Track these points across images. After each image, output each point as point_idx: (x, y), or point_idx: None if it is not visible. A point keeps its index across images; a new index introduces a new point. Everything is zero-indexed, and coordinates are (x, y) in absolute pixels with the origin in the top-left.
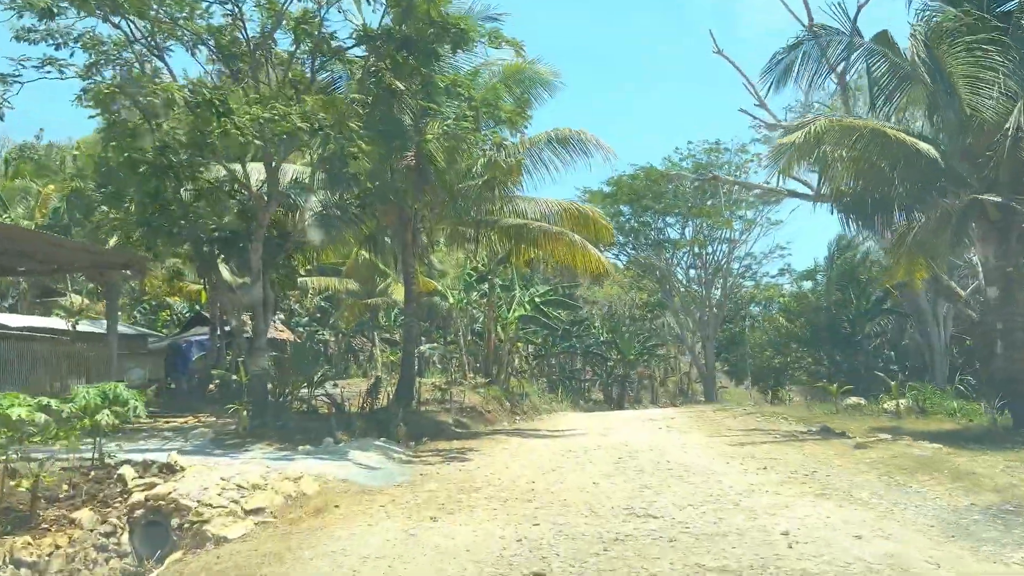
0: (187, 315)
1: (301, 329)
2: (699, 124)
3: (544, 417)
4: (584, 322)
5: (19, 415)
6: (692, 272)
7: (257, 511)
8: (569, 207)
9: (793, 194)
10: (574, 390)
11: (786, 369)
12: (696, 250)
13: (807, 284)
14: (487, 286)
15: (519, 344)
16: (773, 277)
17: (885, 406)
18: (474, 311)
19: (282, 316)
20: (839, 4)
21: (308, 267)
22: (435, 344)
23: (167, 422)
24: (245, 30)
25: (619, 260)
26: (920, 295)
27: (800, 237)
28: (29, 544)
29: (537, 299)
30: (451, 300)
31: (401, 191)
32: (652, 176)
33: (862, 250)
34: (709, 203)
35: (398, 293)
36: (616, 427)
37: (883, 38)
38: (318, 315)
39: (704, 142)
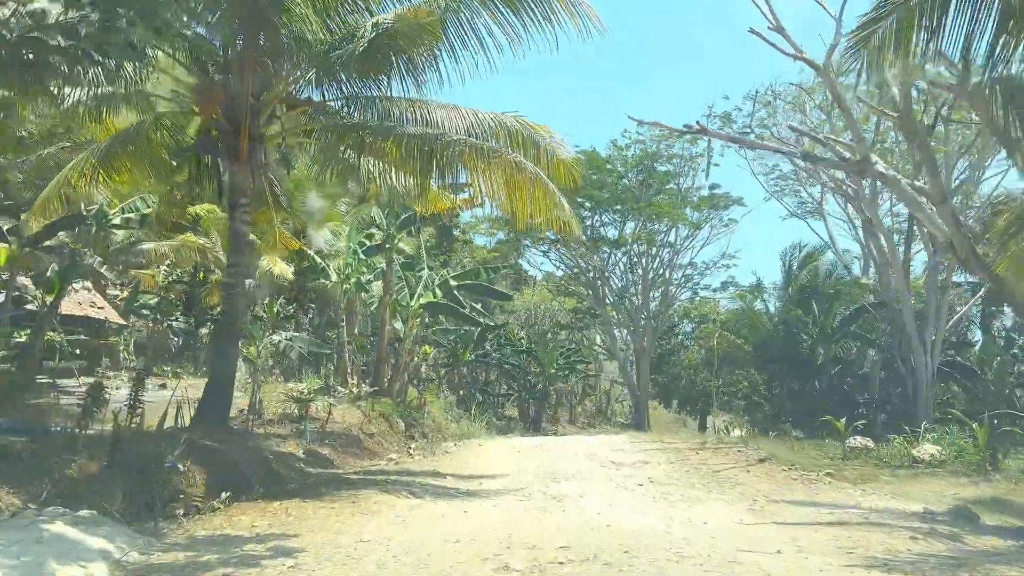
0: None
1: (147, 313)
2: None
3: (451, 448)
4: (501, 328)
5: None
6: (630, 276)
7: None
8: (511, 122)
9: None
10: (488, 406)
11: (721, 394)
12: (638, 249)
13: (754, 301)
14: (384, 261)
15: (427, 348)
16: (714, 291)
17: (916, 452)
18: (369, 295)
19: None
20: None
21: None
22: (298, 334)
23: None
24: None
25: (548, 259)
26: (907, 313)
27: (748, 247)
28: None
29: (453, 281)
30: (333, 276)
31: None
32: (595, 163)
33: (826, 260)
34: (659, 197)
35: (278, 265)
36: (565, 475)
37: None
38: (179, 299)
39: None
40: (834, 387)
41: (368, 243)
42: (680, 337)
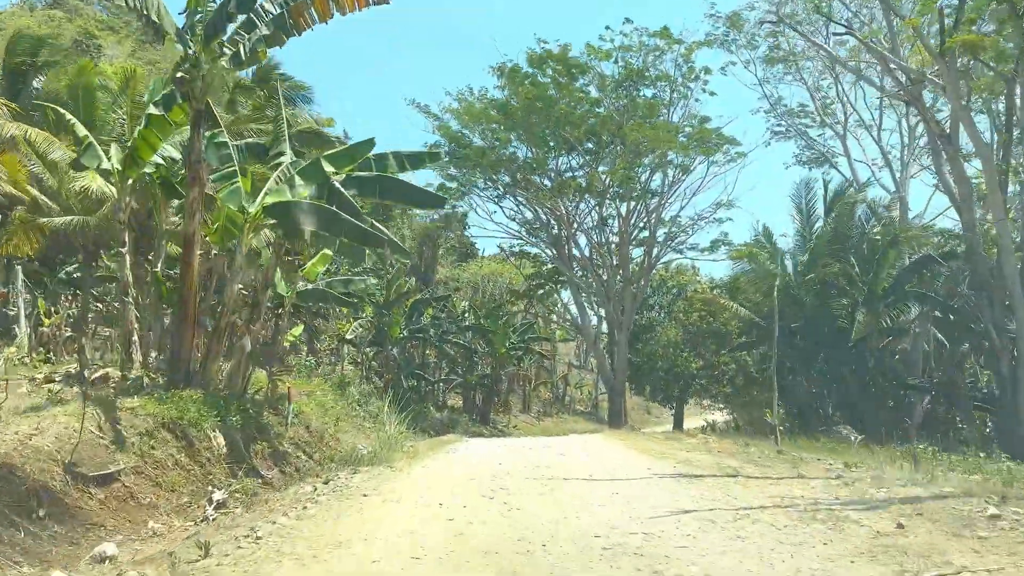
0: None
1: None
2: None
3: (319, 495)
4: (443, 300)
5: None
6: (604, 232)
7: None
8: None
9: None
10: (422, 395)
11: (701, 379)
12: (615, 193)
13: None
14: (189, 114)
15: (286, 290)
16: (702, 251)
17: None
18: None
19: None
20: None
21: None
22: None
23: None
24: None
25: (500, 207)
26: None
27: (743, 202)
28: None
29: (331, 168)
30: (104, 159)
31: None
32: (570, 66)
33: (868, 196)
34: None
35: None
36: None
37: None
38: None
39: (644, 29)
40: (878, 368)
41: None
42: (655, 311)
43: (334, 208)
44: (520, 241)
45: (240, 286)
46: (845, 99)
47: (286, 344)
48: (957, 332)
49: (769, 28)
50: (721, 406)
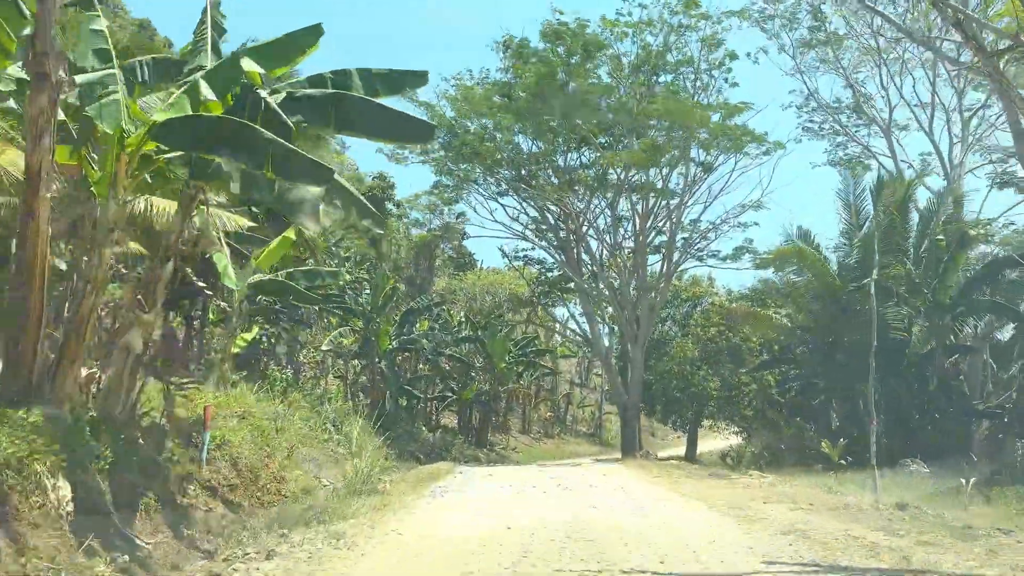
0: None
1: None
2: None
3: None
4: (438, 307)
5: None
6: (616, 235)
7: None
8: None
9: None
10: (413, 414)
11: (721, 399)
12: (638, 179)
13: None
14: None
15: (238, 286)
16: (723, 259)
17: None
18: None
19: None
20: None
21: None
22: None
23: None
24: None
25: (501, 204)
26: None
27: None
28: None
29: (251, 63)
30: None
31: None
32: (586, 44)
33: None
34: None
35: None
36: None
37: None
38: None
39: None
40: (942, 390)
41: None
42: (667, 324)
43: (258, 127)
44: (523, 244)
45: (116, 250)
46: (889, 86)
47: (235, 351)
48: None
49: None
50: (736, 430)
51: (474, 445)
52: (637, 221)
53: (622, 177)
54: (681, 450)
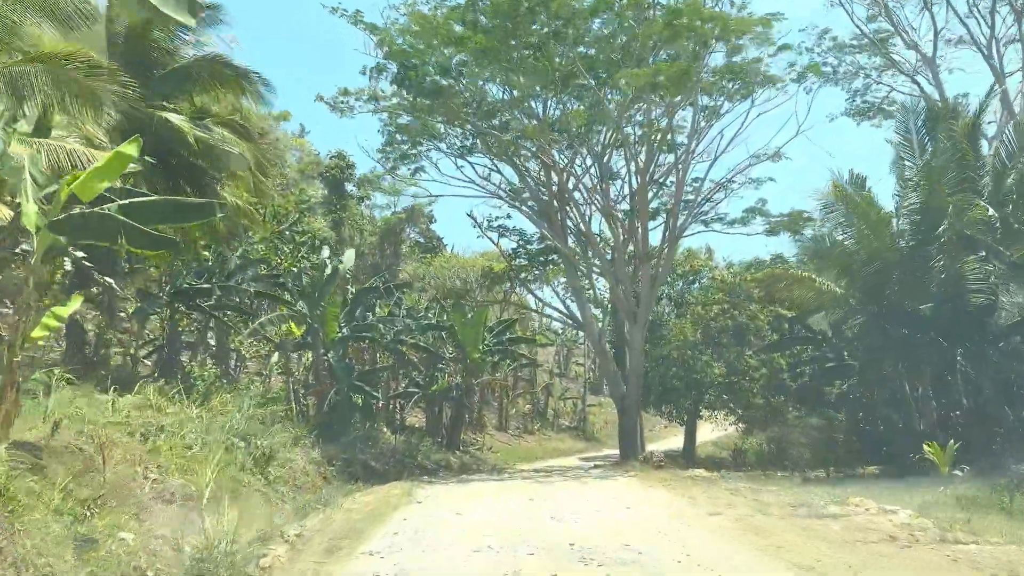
0: None
1: None
2: None
3: None
4: (399, 288)
5: None
6: (619, 189)
7: None
8: None
9: None
10: (371, 413)
11: (724, 387)
12: (639, 119)
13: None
14: None
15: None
16: (730, 224)
17: None
18: None
19: None
20: None
21: None
22: None
23: None
24: None
25: (468, 162)
26: None
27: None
28: None
29: None
30: None
31: None
32: None
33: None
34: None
35: None
36: None
37: None
38: None
39: None
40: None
41: None
42: (662, 303)
43: None
44: (498, 212)
45: None
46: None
47: (44, 332)
48: None
49: None
50: (735, 421)
51: (444, 448)
52: (635, 174)
53: (623, 116)
54: (672, 443)
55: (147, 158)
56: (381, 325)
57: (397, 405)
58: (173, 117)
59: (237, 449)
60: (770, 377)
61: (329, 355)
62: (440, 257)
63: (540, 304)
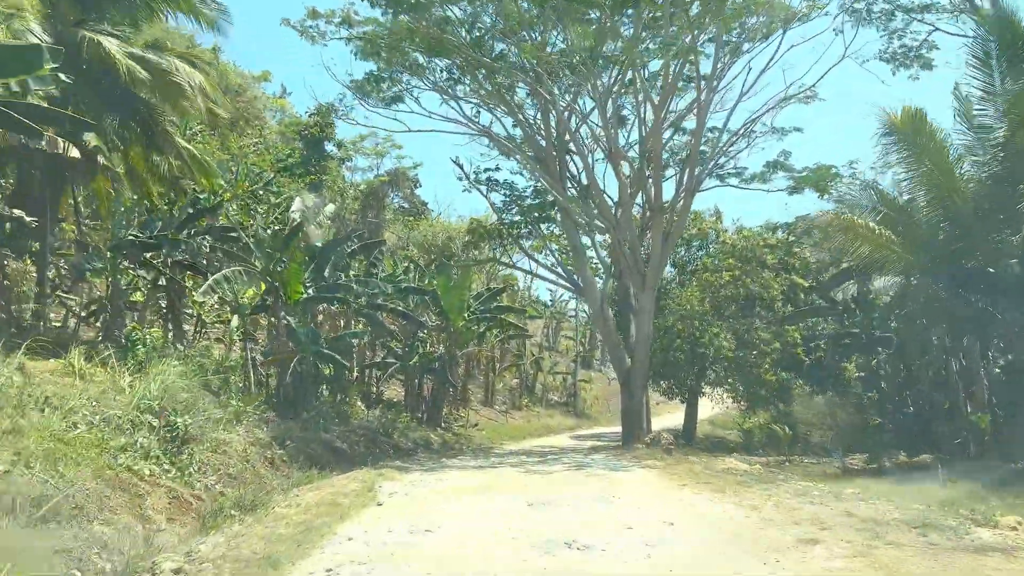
0: None
1: None
2: None
3: None
4: (375, 246)
5: None
6: (627, 133)
7: None
8: None
9: None
10: (341, 385)
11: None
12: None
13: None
14: None
15: None
16: (749, 180)
17: None
18: None
19: None
20: None
21: None
22: None
23: None
24: None
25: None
26: None
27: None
28: None
29: None
30: None
31: None
32: None
33: None
34: None
35: None
36: None
37: None
38: None
39: None
40: None
41: None
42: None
43: None
44: (487, 162)
45: None
46: None
47: None
48: None
49: None
50: (739, 399)
51: (425, 424)
52: (646, 118)
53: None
54: (668, 421)
55: (62, 75)
56: (354, 286)
57: (374, 377)
58: (105, 40)
59: (140, 430)
60: (783, 352)
61: (288, 319)
62: (424, 221)
63: (534, 265)
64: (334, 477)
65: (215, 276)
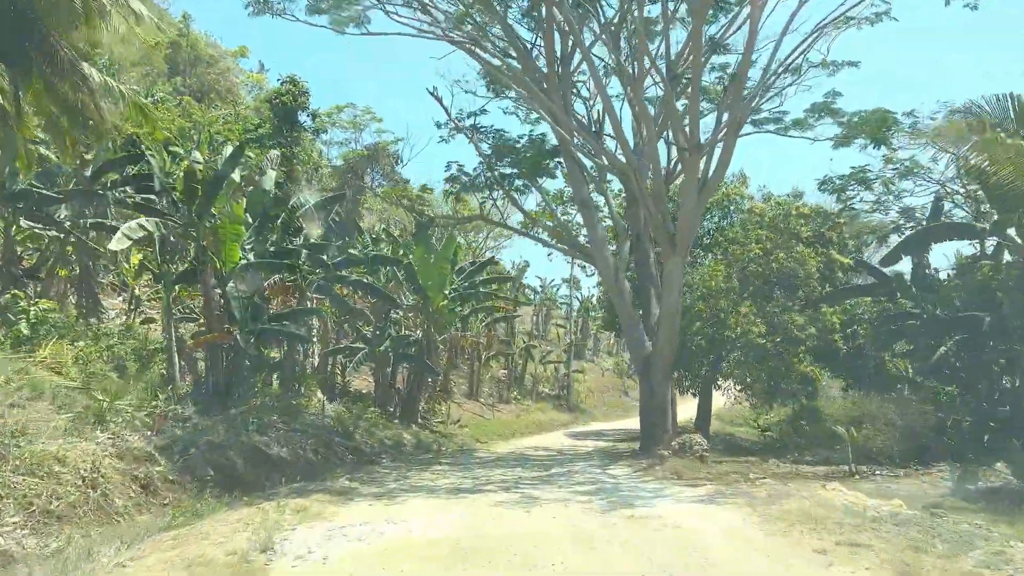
0: None
1: None
2: None
3: None
4: (338, 202)
5: None
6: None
7: None
8: None
9: None
10: (293, 373)
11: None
12: None
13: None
14: None
15: None
16: (786, 129)
17: None
18: None
19: None
20: None
21: None
22: None
23: None
24: None
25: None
26: None
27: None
28: None
29: None
30: None
31: None
32: None
33: None
34: None
35: None
36: None
37: None
38: None
39: None
40: None
41: None
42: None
43: None
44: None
45: None
46: None
47: None
48: None
49: None
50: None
51: (399, 421)
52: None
53: None
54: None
55: None
56: (307, 252)
57: (338, 364)
58: None
59: None
60: (818, 338)
61: (221, 290)
62: (407, 189)
63: (528, 224)
64: (224, 514)
65: (129, 224)
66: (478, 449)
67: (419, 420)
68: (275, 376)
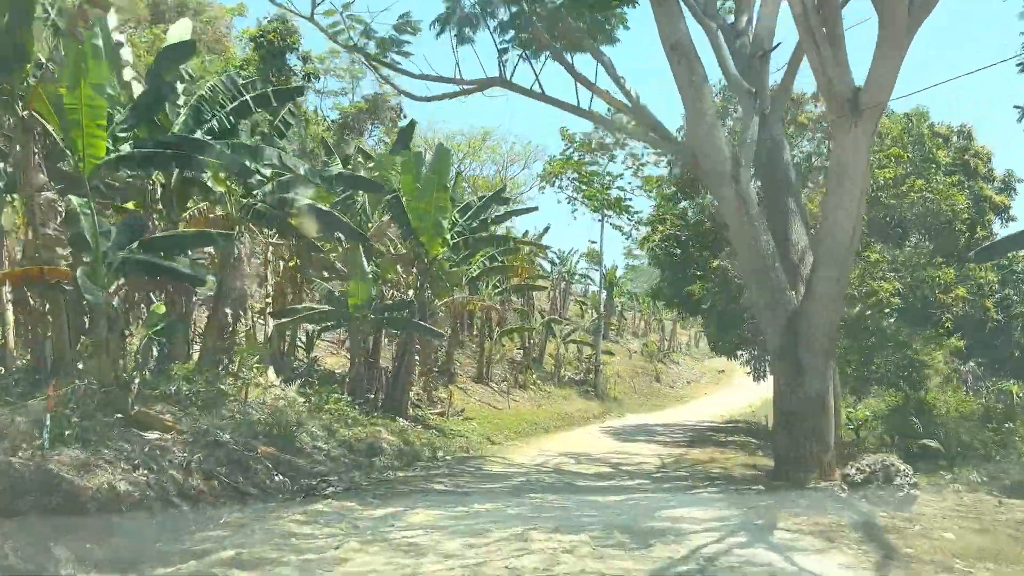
0: None
1: None
2: None
3: None
4: (295, 95)
5: None
6: None
7: None
8: None
9: None
10: (182, 337)
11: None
12: None
13: None
14: None
15: None
16: None
17: None
18: None
19: None
20: None
21: None
22: None
23: None
24: None
25: None
26: None
27: None
28: None
29: None
30: None
31: None
32: None
33: None
34: None
35: None
36: None
37: None
38: None
39: None
40: None
41: None
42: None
43: None
44: None
45: None
46: None
47: None
48: None
49: None
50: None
51: (381, 410)
52: None
53: None
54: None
55: None
56: (226, 149)
57: (299, 334)
58: None
59: None
60: (970, 304)
61: (77, 198)
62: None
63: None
64: None
65: None
66: (489, 456)
67: (409, 411)
68: (165, 341)
